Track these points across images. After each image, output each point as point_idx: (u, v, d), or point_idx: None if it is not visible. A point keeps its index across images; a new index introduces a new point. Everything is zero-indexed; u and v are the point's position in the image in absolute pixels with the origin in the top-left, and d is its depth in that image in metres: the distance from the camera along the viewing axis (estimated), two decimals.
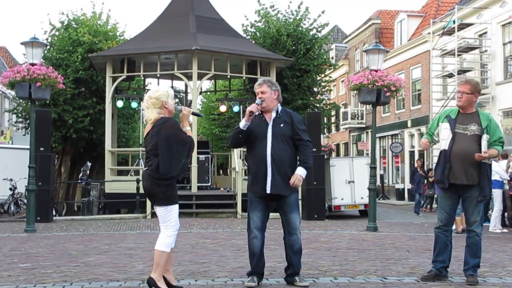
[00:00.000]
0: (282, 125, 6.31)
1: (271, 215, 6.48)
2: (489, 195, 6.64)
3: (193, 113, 6.29)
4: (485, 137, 6.52)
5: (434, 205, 24.13)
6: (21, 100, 20.59)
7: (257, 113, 6.35)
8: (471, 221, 6.63)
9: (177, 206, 5.89)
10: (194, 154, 17.70)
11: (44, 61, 17.86)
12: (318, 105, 24.40)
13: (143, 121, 6.16)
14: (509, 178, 14.56)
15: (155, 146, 5.76)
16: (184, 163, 5.86)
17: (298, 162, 6.32)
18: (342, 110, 40.28)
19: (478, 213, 6.60)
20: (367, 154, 34.13)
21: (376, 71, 14.33)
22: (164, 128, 5.75)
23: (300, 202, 17.58)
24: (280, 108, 6.45)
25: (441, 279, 6.70)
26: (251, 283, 6.27)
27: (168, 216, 5.82)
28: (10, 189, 19.88)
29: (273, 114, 6.38)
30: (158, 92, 5.92)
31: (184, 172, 6.02)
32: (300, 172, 6.20)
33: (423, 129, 31.28)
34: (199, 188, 19.06)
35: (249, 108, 6.30)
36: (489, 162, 6.63)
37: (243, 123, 6.30)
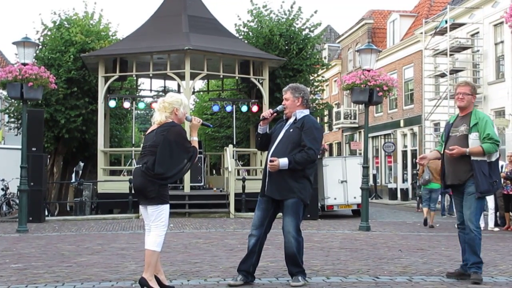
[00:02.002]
0: (292, 130, 6.38)
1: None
2: (488, 193, 6.64)
3: (203, 124, 6.34)
4: (472, 136, 6.63)
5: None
6: (13, 100, 20.52)
7: (284, 118, 6.58)
8: (465, 216, 6.71)
9: (168, 206, 5.93)
10: None
11: (36, 61, 17.78)
12: (311, 104, 24.40)
13: (153, 123, 6.18)
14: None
15: (156, 144, 5.84)
16: (181, 170, 5.93)
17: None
18: (335, 110, 40.33)
19: (470, 207, 6.63)
20: (360, 153, 34.19)
21: (369, 71, 14.36)
22: (171, 132, 5.85)
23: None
24: (300, 114, 6.46)
25: (467, 278, 6.68)
26: (232, 282, 6.34)
27: (159, 215, 5.86)
28: (2, 189, 19.79)
29: (291, 120, 6.50)
30: (172, 98, 6.05)
31: (178, 177, 6.07)
32: (281, 160, 6.20)
33: (416, 128, 31.41)
34: (192, 188, 19.04)
35: (262, 114, 6.56)
36: (486, 159, 6.59)
37: (259, 128, 6.57)
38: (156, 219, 5.86)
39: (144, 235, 6.03)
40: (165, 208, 5.89)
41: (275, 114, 6.56)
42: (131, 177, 19.04)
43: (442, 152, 6.92)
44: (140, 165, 5.91)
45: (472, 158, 6.58)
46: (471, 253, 6.61)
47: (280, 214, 6.44)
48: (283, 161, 6.19)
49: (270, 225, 6.49)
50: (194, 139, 6.06)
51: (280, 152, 6.27)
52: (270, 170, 6.24)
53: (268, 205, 6.41)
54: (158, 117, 5.97)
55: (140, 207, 6.08)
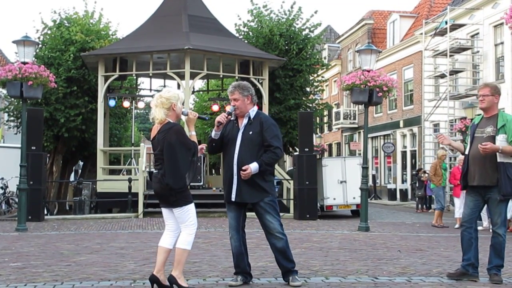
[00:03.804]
0: (251, 132, 6.28)
1: (253, 214, 6.50)
2: (510, 195, 6.65)
3: (199, 117, 6.30)
4: (499, 137, 6.63)
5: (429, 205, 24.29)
6: (12, 99, 20.52)
7: (232, 118, 6.42)
8: (493, 222, 6.77)
9: (192, 204, 5.95)
10: None
11: (36, 60, 17.81)
12: (310, 105, 24.45)
13: (150, 120, 6.15)
14: None
15: (161, 152, 5.84)
16: (190, 171, 5.91)
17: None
18: (334, 110, 40.32)
19: (500, 214, 6.68)
20: (359, 154, 34.21)
21: (369, 71, 14.35)
22: (170, 134, 5.81)
23: (291, 202, 17.80)
24: (253, 113, 6.39)
25: (468, 278, 6.74)
26: (233, 282, 6.34)
27: (187, 216, 5.90)
28: (1, 188, 19.80)
29: (245, 120, 6.37)
30: (169, 93, 5.97)
31: (190, 179, 6.00)
32: (252, 166, 6.15)
33: (415, 129, 31.41)
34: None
35: (217, 119, 6.34)
36: (510, 161, 6.59)
37: (213, 133, 6.38)
38: (184, 221, 5.90)
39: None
40: (190, 208, 5.92)
41: (229, 117, 6.40)
42: (131, 176, 19.18)
43: (467, 153, 6.88)
44: (157, 172, 5.92)
45: (499, 159, 6.59)
46: (496, 256, 6.70)
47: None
48: (255, 167, 6.15)
49: (244, 222, 6.49)
50: (193, 134, 6.02)
51: (247, 157, 6.20)
52: (244, 178, 6.16)
53: (238, 206, 6.40)
54: (158, 114, 5.89)
55: (162, 209, 6.07)
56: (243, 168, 6.15)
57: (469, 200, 6.95)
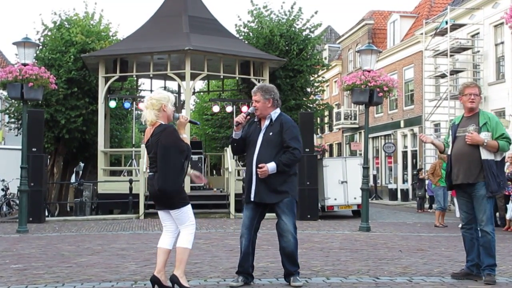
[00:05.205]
0: (271, 133, 6.36)
1: (267, 215, 6.52)
2: (497, 191, 6.64)
3: (190, 121, 6.32)
4: (481, 135, 6.62)
5: (426, 205, 24.27)
6: (13, 101, 20.53)
7: (255, 120, 6.51)
8: (479, 219, 6.70)
9: (189, 205, 5.98)
10: None
11: (36, 61, 17.80)
12: (311, 105, 24.44)
13: (142, 122, 6.17)
14: None
15: (155, 154, 5.85)
16: (183, 174, 5.94)
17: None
18: (335, 110, 40.31)
19: (485, 211, 6.62)
20: (360, 154, 34.18)
21: (369, 71, 14.34)
22: (163, 137, 5.82)
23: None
24: (275, 115, 6.45)
25: (472, 278, 6.73)
26: (234, 283, 6.35)
27: (185, 217, 5.93)
28: (2, 189, 19.81)
29: (267, 122, 6.44)
30: (160, 95, 6.01)
31: (183, 181, 6.05)
32: (270, 165, 6.20)
33: (416, 129, 31.39)
34: (192, 188, 19.04)
35: (236, 119, 6.45)
36: (494, 158, 6.61)
37: (234, 133, 6.48)
38: (184, 221, 5.93)
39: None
40: (188, 208, 5.96)
41: (248, 117, 6.50)
42: (132, 177, 19.19)
43: (449, 153, 6.89)
44: (152, 174, 5.93)
45: (483, 157, 6.58)
46: (487, 255, 6.61)
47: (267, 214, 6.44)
48: (272, 166, 6.20)
49: (259, 224, 6.53)
50: (185, 137, 6.04)
51: (266, 157, 6.26)
52: (261, 176, 6.22)
53: (256, 206, 6.43)
54: (149, 116, 5.90)
55: (158, 211, 6.09)
56: (259, 165, 6.22)
57: (461, 203, 6.98)
